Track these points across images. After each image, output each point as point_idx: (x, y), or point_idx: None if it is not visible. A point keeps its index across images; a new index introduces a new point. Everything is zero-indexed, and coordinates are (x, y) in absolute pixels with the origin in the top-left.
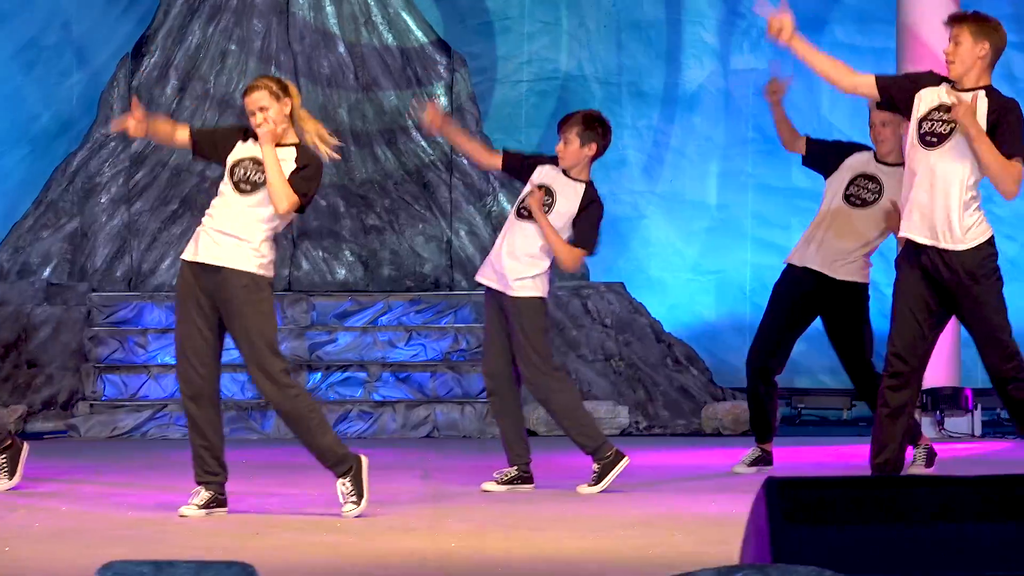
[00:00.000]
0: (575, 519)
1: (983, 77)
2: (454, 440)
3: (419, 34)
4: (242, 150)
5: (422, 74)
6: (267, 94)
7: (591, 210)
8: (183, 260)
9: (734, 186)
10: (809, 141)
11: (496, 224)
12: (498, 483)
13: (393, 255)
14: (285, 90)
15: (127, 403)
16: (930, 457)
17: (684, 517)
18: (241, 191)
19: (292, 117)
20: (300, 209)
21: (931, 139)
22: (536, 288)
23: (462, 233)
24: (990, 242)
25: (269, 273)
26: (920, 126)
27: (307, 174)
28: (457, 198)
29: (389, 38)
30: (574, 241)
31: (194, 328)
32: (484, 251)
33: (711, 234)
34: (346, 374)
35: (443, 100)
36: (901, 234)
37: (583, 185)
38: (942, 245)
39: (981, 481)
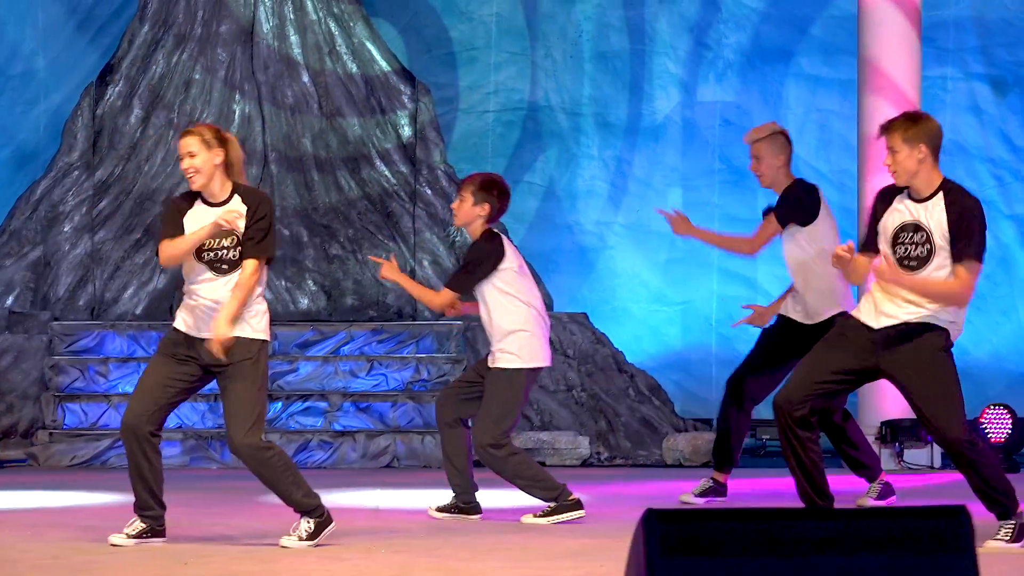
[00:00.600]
0: (510, 550)
1: (933, 175)
2: (414, 470)
3: (383, 63)
4: (198, 225)
5: (386, 103)
6: (198, 140)
7: (467, 251)
8: (178, 329)
9: (700, 216)
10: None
11: (459, 253)
12: (440, 511)
13: (356, 284)
14: (221, 141)
15: (87, 432)
16: (884, 493)
17: (619, 548)
18: (220, 271)
19: (228, 167)
20: (269, 261)
21: (911, 263)
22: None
23: (425, 262)
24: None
25: (267, 335)
26: (894, 249)
27: (262, 226)
28: (420, 227)
29: (353, 67)
30: (446, 282)
31: (163, 380)
32: (446, 279)
33: (677, 265)
34: (307, 404)
35: (407, 129)
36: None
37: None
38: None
39: (857, 514)
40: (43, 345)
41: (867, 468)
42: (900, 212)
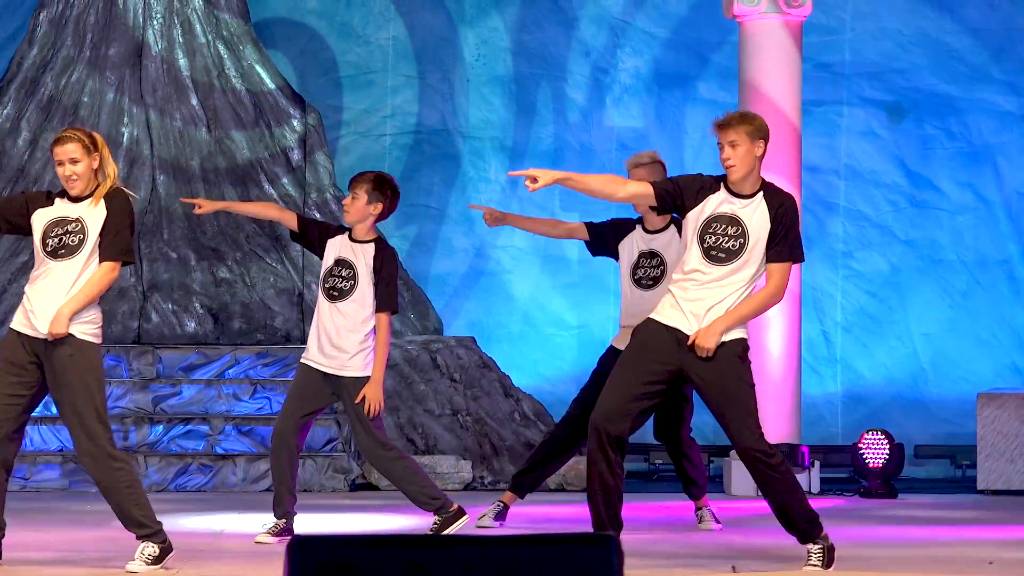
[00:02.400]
0: None
1: (758, 177)
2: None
3: (272, 86)
4: (48, 214)
5: (275, 125)
6: (80, 147)
7: (385, 269)
8: (13, 329)
9: None
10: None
11: None
12: (272, 534)
13: (244, 308)
14: (95, 144)
15: None
16: (715, 518)
17: None
18: (58, 257)
19: (98, 170)
20: (128, 262)
21: (719, 255)
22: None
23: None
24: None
25: (99, 339)
26: (703, 238)
27: (118, 223)
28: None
29: (242, 89)
30: (378, 307)
31: (8, 392)
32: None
33: (574, 289)
34: (188, 427)
35: (296, 152)
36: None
37: (371, 244)
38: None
39: (502, 541)
40: None
41: (698, 487)
42: (716, 202)
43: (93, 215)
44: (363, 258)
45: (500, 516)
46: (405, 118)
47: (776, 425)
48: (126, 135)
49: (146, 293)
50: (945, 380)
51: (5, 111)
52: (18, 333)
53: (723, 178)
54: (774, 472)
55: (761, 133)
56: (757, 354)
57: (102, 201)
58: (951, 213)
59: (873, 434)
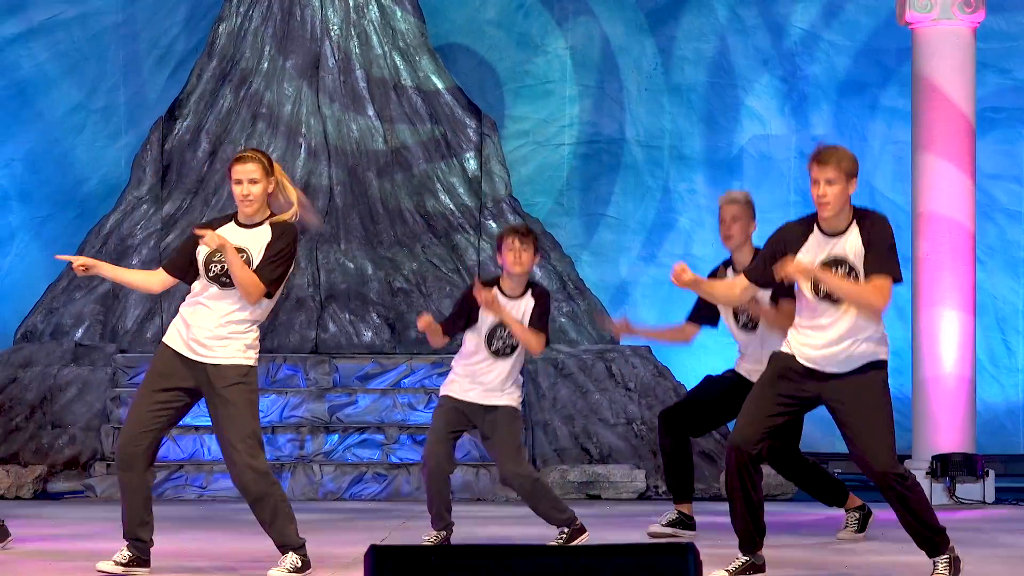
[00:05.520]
0: None
1: (850, 208)
2: (466, 503)
3: (448, 98)
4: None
5: (451, 136)
6: (259, 168)
7: (538, 303)
8: (169, 346)
9: None
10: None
11: None
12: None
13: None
14: (273, 168)
15: None
16: (864, 520)
17: None
18: (222, 284)
19: (272, 196)
20: (268, 294)
21: (834, 297)
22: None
23: None
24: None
25: (255, 361)
26: (817, 288)
27: (280, 251)
28: (485, 260)
29: (418, 100)
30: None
31: (155, 403)
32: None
33: None
34: (363, 436)
35: (472, 162)
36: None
37: (528, 296)
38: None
39: (580, 551)
40: (107, 377)
41: (838, 491)
42: (815, 247)
43: (259, 244)
44: (526, 315)
45: (674, 524)
46: (583, 128)
47: (949, 435)
48: (304, 147)
49: (323, 303)
50: None
51: (185, 123)
52: (175, 352)
53: (814, 217)
54: (909, 492)
55: (855, 171)
56: (931, 364)
57: (270, 228)
58: None
59: None
